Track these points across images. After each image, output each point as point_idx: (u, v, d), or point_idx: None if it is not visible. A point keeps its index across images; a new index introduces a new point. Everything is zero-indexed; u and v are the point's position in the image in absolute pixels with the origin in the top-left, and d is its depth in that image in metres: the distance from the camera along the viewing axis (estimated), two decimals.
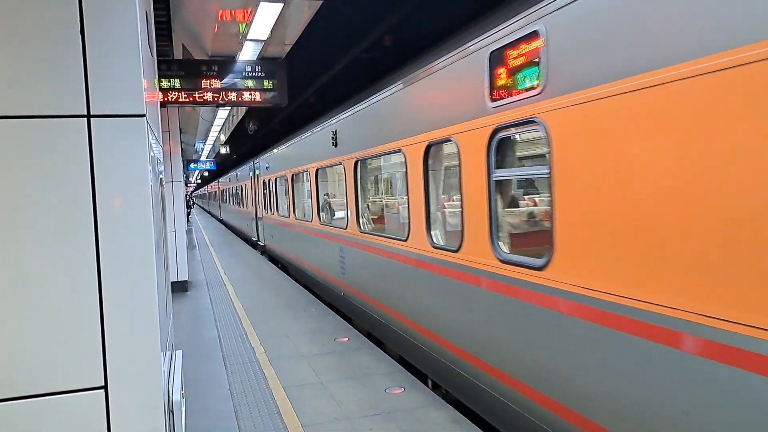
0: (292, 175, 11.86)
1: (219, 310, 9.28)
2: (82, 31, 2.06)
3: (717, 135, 2.43)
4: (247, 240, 22.04)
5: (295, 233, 12.03)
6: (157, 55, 4.88)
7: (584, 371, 3.30)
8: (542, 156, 3.64)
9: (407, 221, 5.86)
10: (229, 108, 13.70)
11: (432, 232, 5.36)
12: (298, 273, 12.33)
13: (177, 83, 7.75)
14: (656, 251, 2.77)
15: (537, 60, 3.58)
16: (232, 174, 26.97)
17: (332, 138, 8.46)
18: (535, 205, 5.23)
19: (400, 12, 8.07)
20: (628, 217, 2.93)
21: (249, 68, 8.01)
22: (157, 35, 5.55)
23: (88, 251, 2.09)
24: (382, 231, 7.44)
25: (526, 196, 5.31)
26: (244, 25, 6.92)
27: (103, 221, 2.11)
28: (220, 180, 37.03)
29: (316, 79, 12.86)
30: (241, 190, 22.76)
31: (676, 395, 2.70)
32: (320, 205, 9.79)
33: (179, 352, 3.52)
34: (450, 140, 4.77)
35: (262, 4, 6.05)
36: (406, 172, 5.73)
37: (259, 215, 17.71)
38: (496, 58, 4.03)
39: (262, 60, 8.24)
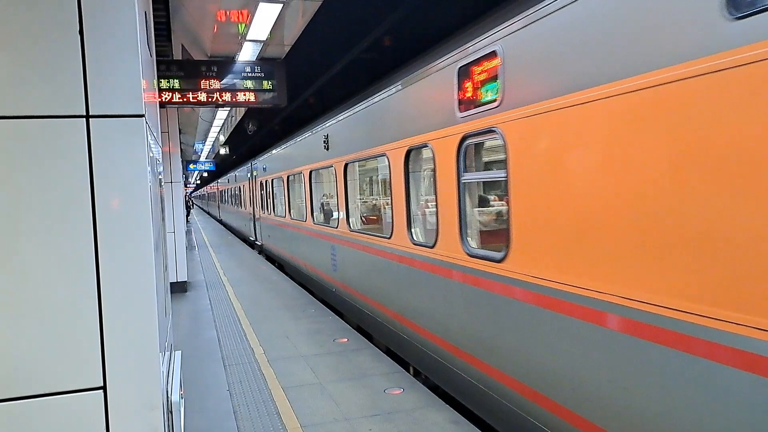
0: (288, 176, 12.18)
1: (218, 310, 9.27)
2: (81, 32, 2.05)
3: (628, 146, 2.91)
4: (245, 240, 22.13)
5: (290, 233, 12.38)
6: (157, 56, 4.88)
7: (535, 349, 3.76)
8: (502, 161, 4.05)
9: (391, 220, 6.23)
10: (229, 108, 13.70)
11: (412, 230, 5.80)
12: (293, 271, 12.71)
13: (176, 84, 7.74)
14: (586, 244, 3.23)
15: (496, 76, 4.04)
16: (231, 175, 27.15)
17: (324, 141, 8.81)
18: (499, 204, 5.55)
19: (399, 12, 8.07)
20: (565, 215, 3.39)
21: (248, 69, 8.01)
22: (156, 35, 5.56)
23: (87, 252, 2.09)
24: (369, 230, 7.80)
25: (493, 197, 5.64)
26: (243, 25, 6.93)
27: (102, 222, 2.10)
28: (219, 181, 37.10)
29: (316, 80, 12.87)
30: (240, 191, 22.92)
31: (602, 366, 3.16)
32: (313, 205, 10.13)
33: (178, 353, 3.51)
34: (427, 146, 5.19)
35: (261, 4, 6.05)
36: (390, 174, 6.12)
37: (257, 215, 17.87)
38: (464, 73, 4.48)
39: (262, 60, 8.24)
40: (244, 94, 8.01)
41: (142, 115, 2.17)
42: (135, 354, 2.16)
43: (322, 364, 6.19)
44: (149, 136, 2.38)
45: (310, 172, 10.01)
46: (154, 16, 5.82)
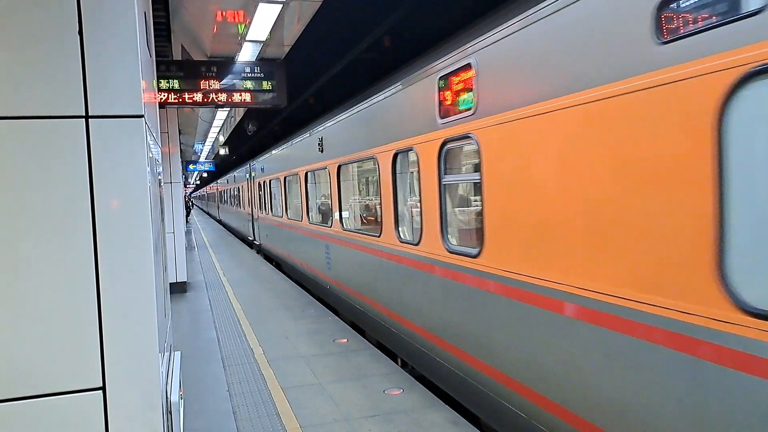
0: (285, 177, 12.43)
1: (218, 311, 9.27)
2: (80, 32, 2.05)
3: (577, 153, 3.24)
4: (243, 240, 22.19)
5: (287, 232, 12.66)
6: (156, 56, 4.87)
7: (506, 338, 4.09)
8: (477, 165, 4.38)
9: (380, 220, 6.53)
10: (228, 109, 13.70)
11: (399, 229, 6.12)
12: (290, 270, 12.95)
13: (176, 84, 7.74)
14: (546, 240, 3.57)
15: (471, 86, 4.36)
16: (230, 176, 27.23)
17: (319, 144, 9.10)
18: (476, 204, 5.80)
19: (399, 12, 8.07)
20: (529, 213, 3.73)
21: (248, 69, 8.01)
22: (156, 36, 5.56)
23: (86, 252, 2.09)
24: (360, 229, 8.05)
25: (470, 197, 5.86)
26: (243, 26, 6.93)
27: (102, 222, 2.10)
28: (218, 181, 37.13)
29: (315, 80, 12.87)
30: (238, 192, 23.02)
31: (560, 349, 3.49)
32: (309, 205, 10.40)
33: (178, 353, 3.51)
34: (412, 149, 5.51)
35: (260, 5, 6.05)
36: (379, 176, 6.42)
37: (255, 216, 17.95)
38: (444, 82, 4.80)
39: (261, 61, 8.24)
40: (244, 95, 8.01)
41: (141, 116, 2.17)
42: (134, 354, 2.15)
43: (321, 365, 6.18)
44: (149, 136, 2.38)
45: (306, 174, 10.27)
46: (154, 17, 5.83)
